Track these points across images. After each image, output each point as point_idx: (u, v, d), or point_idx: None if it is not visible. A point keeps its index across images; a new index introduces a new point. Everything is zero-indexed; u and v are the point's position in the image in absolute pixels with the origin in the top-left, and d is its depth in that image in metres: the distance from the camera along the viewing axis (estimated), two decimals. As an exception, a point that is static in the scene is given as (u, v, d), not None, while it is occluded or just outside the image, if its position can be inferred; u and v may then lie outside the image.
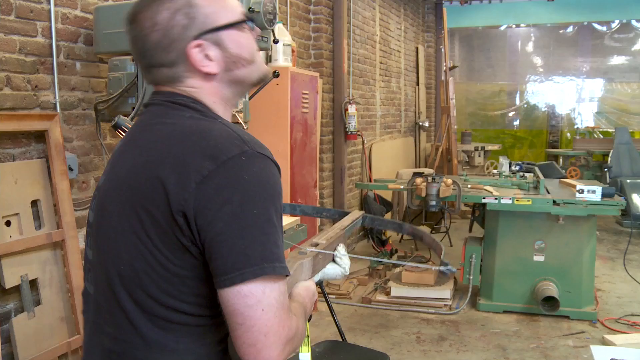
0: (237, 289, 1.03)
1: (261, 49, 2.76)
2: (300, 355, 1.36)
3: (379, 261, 5.64)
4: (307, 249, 1.39)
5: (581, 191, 4.43)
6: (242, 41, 1.21)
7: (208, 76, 1.19)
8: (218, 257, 1.05)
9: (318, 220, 5.07)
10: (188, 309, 1.12)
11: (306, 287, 1.29)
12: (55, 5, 2.77)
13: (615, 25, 11.58)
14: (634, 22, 11.44)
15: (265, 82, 1.31)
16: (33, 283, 2.66)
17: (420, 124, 9.79)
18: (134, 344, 1.13)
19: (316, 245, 1.42)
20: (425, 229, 7.04)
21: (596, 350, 1.93)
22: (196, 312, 1.13)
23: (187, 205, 1.05)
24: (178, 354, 1.13)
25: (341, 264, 1.51)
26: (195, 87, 1.20)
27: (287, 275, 1.10)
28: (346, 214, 1.84)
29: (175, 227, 1.07)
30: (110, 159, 1.27)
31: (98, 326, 1.21)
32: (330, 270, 1.50)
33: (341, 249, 1.53)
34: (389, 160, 7.94)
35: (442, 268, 1.50)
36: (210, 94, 1.21)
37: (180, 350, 1.13)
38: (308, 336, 1.35)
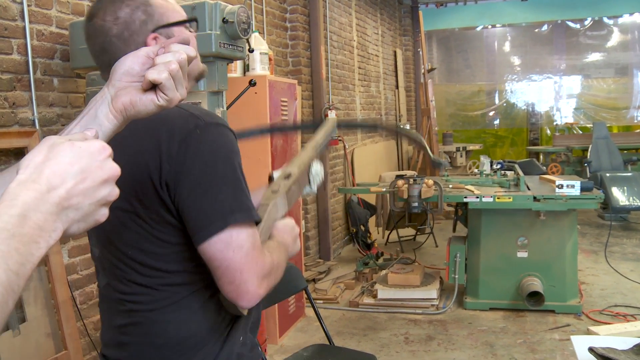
0: (208, 241, 1.19)
1: (236, 59, 2.78)
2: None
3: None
4: (279, 183, 1.41)
5: (560, 186, 4.50)
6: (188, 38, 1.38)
7: None
8: (189, 220, 1.21)
9: (301, 212, 5.09)
10: (194, 268, 1.27)
11: (284, 224, 1.40)
12: (30, 22, 2.78)
13: (588, 22, 11.77)
14: (605, 19, 11.64)
15: (202, 77, 1.44)
16: (17, 300, 2.65)
17: (402, 126, 9.86)
18: (150, 307, 1.28)
19: (289, 176, 1.44)
20: (409, 230, 7.11)
21: (576, 340, 1.97)
22: (201, 269, 1.27)
23: (166, 186, 1.21)
24: (179, 310, 1.28)
25: (313, 183, 1.53)
26: None
27: (255, 220, 1.23)
28: (321, 122, 1.79)
29: (163, 208, 1.23)
30: None
31: (112, 309, 1.35)
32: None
33: (315, 166, 1.54)
34: (372, 164, 7.99)
35: (436, 159, 1.55)
36: None
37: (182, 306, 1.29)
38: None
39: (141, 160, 1.23)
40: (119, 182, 1.25)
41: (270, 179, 1.48)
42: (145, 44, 1.26)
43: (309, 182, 1.52)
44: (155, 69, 0.87)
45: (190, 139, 1.21)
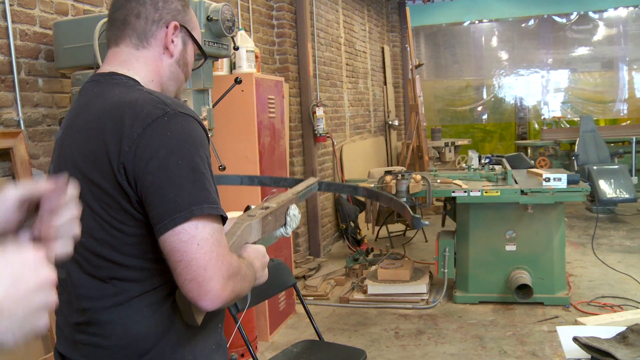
0: (171, 231, 1.11)
1: (221, 56, 2.78)
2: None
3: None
4: (256, 211, 1.39)
5: (547, 179, 4.53)
6: (193, 59, 1.43)
7: (165, 53, 1.35)
8: (152, 208, 1.14)
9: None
10: (148, 264, 1.21)
11: (255, 249, 1.34)
12: (13, 22, 2.76)
13: (574, 17, 11.84)
14: (591, 14, 11.71)
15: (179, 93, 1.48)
16: None
17: (390, 123, 9.88)
18: (101, 304, 1.22)
19: (266, 208, 1.43)
20: (399, 226, 7.14)
21: (561, 330, 1.99)
22: (156, 267, 1.21)
23: (123, 169, 1.16)
24: (139, 305, 1.21)
25: (288, 225, 1.52)
26: (148, 58, 1.34)
27: (222, 217, 1.18)
28: (302, 181, 1.83)
29: (120, 194, 1.17)
30: (56, 143, 1.36)
31: (69, 305, 1.29)
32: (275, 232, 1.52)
33: (294, 210, 1.53)
34: (361, 161, 8.01)
35: (416, 216, 1.58)
36: (154, 73, 1.34)
37: (137, 303, 1.22)
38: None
39: (101, 138, 1.18)
40: (79, 157, 1.17)
41: (247, 209, 1.46)
42: (166, 26, 1.33)
43: (285, 224, 1.50)
44: None
45: (157, 125, 1.16)
